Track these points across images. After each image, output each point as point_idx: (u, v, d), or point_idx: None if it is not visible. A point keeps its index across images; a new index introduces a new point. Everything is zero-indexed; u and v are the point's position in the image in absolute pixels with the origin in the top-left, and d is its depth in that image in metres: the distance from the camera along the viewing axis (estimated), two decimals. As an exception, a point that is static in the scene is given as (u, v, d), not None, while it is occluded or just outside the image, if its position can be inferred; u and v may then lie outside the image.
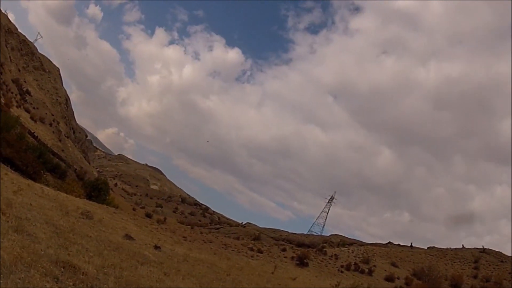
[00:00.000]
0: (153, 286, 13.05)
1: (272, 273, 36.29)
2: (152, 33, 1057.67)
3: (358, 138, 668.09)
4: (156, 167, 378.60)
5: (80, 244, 15.24)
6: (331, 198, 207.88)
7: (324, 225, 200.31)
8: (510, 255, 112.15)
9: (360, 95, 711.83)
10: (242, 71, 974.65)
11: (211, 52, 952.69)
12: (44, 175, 59.05)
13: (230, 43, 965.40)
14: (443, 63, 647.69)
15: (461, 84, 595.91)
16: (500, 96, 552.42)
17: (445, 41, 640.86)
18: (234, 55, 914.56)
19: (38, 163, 56.93)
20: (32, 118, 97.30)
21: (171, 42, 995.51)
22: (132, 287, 11.87)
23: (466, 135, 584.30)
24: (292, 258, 71.79)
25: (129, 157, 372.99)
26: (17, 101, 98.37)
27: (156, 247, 25.30)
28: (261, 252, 68.72)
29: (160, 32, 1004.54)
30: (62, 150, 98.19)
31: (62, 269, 10.56)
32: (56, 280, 9.60)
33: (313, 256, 79.79)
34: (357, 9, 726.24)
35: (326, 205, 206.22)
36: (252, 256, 61.31)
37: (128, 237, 25.40)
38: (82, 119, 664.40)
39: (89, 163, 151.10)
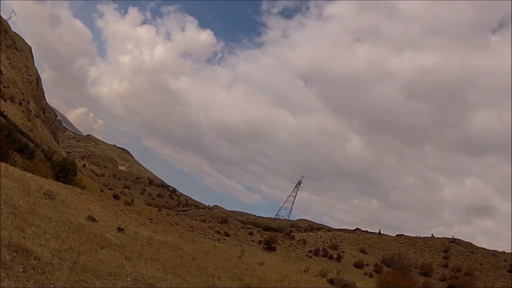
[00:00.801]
0: (112, 272, 12.25)
1: (239, 257, 35.59)
2: (125, 13, 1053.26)
3: (329, 124, 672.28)
4: (125, 148, 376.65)
5: (38, 226, 14.46)
6: (298, 182, 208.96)
7: (291, 209, 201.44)
8: (480, 246, 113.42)
9: (332, 81, 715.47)
10: (213, 53, 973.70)
11: (183, 33, 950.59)
12: (12, 155, 57.89)
13: (203, 25, 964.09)
14: (418, 54, 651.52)
15: (435, 75, 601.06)
16: (474, 89, 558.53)
17: (422, 32, 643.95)
18: (206, 36, 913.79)
19: (6, 143, 55.66)
20: (2, 97, 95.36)
21: (144, 22, 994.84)
22: (89, 274, 11.11)
23: (438, 125, 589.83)
24: (260, 242, 71.22)
25: (98, 137, 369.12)
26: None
27: (120, 229, 24.42)
28: (228, 236, 68.01)
29: (133, 12, 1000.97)
30: (31, 130, 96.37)
31: (14, 254, 9.85)
32: (4, 266, 8.86)
33: (281, 240, 79.39)
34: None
35: (293, 190, 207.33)
36: (218, 240, 60.59)
37: (91, 218, 24.49)
38: (52, 99, 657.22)
39: (58, 144, 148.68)
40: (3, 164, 34.85)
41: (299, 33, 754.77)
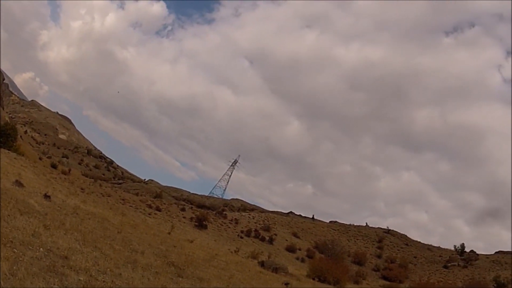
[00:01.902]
0: (26, 241, 11.51)
1: (169, 233, 34.87)
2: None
3: (269, 106, 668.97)
4: (67, 116, 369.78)
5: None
6: (234, 161, 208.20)
7: (225, 188, 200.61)
8: (414, 239, 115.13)
9: (277, 64, 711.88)
10: (163, 26, 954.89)
11: (137, 2, 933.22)
12: None
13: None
14: (365, 47, 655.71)
15: (380, 69, 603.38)
16: (417, 87, 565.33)
17: (373, 26, 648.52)
18: (158, 8, 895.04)
19: None
20: None
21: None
22: (-2, 241, 10.35)
23: (378, 118, 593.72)
24: (191, 219, 70.29)
25: (42, 104, 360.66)
26: None
27: (46, 196, 23.53)
28: (160, 210, 66.89)
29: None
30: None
31: None
32: None
33: (213, 218, 78.66)
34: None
35: (229, 168, 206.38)
36: (149, 214, 59.61)
37: (18, 183, 23.70)
38: (2, 62, 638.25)
39: (3, 108, 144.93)
40: None
41: (251, 13, 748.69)
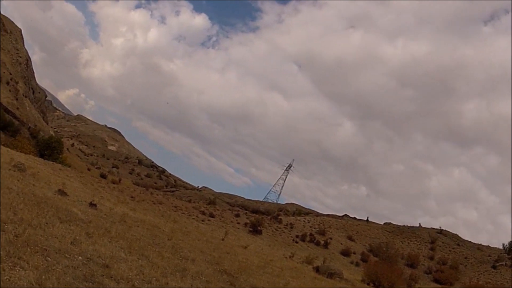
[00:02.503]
0: (63, 248, 10.58)
1: (222, 239, 33.98)
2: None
3: (320, 108, 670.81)
4: (115, 128, 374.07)
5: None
6: (289, 166, 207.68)
7: (280, 193, 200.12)
8: (466, 238, 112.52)
9: (325, 66, 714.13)
10: (207, 37, 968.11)
11: (178, 17, 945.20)
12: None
13: (198, 9, 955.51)
14: (410, 42, 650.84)
15: (426, 64, 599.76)
16: (463, 79, 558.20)
17: (414, 20, 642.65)
18: (200, 20, 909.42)
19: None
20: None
21: (138, 6, 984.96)
22: (30, 248, 9.38)
23: (428, 114, 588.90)
24: (246, 224, 69.43)
25: (89, 118, 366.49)
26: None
27: (92, 204, 22.76)
28: (213, 217, 66.22)
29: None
30: (17, 109, 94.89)
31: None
32: None
33: (268, 223, 77.67)
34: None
35: (283, 173, 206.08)
36: (202, 220, 58.91)
37: (61, 192, 22.94)
38: (43, 80, 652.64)
39: (47, 123, 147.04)
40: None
41: (293, 18, 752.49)
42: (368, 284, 36.97)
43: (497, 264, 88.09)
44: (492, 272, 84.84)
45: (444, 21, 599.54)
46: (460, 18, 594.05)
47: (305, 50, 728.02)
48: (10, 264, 8.27)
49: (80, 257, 10.58)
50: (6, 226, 10.45)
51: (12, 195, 15.45)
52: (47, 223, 12.96)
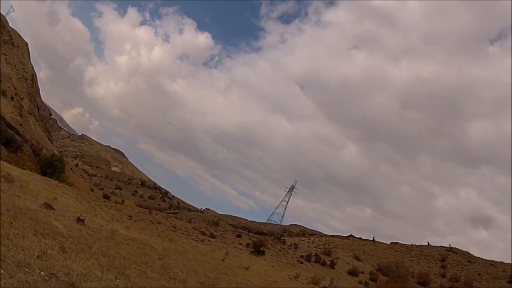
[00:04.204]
0: (25, 262, 9.38)
1: (222, 260, 32.24)
2: (124, 13, 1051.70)
3: (324, 131, 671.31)
4: (119, 149, 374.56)
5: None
6: (291, 187, 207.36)
7: (283, 214, 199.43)
8: (477, 255, 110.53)
9: (329, 88, 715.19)
10: (210, 56, 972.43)
11: (181, 35, 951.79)
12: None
13: (201, 27, 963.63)
14: (415, 63, 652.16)
15: (432, 85, 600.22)
16: (470, 99, 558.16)
17: (420, 41, 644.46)
18: (204, 39, 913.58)
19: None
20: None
21: (143, 23, 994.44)
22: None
23: (434, 135, 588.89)
24: (248, 245, 67.51)
25: (93, 138, 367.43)
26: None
27: (79, 219, 21.39)
28: (214, 237, 64.14)
29: (132, 12, 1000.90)
30: (21, 125, 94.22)
31: None
32: None
33: (271, 244, 75.56)
34: (331, 2, 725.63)
35: (286, 194, 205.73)
36: (202, 241, 56.96)
37: (47, 205, 21.88)
38: (49, 98, 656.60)
39: (52, 142, 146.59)
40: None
41: (297, 38, 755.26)
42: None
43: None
44: (509, 287, 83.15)
45: (451, 41, 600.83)
46: (466, 37, 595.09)
47: (308, 71, 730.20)
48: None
49: (42, 273, 9.25)
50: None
51: (-9, 206, 14.11)
52: (17, 234, 11.83)
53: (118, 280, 11.30)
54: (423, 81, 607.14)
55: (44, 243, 12.15)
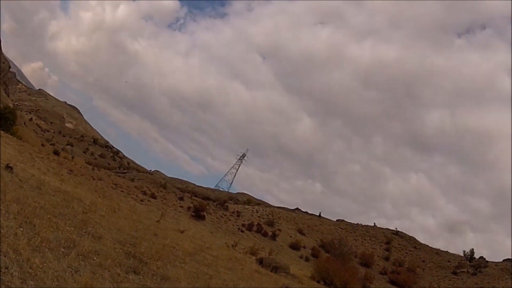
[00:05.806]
0: None
1: (158, 221, 31.40)
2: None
3: (281, 102, 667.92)
4: (75, 106, 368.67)
5: None
6: (242, 155, 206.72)
7: (232, 182, 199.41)
8: (423, 242, 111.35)
9: (290, 60, 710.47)
10: (175, 18, 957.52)
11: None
12: None
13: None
14: (379, 45, 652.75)
15: (393, 68, 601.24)
16: (429, 87, 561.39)
17: (385, 24, 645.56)
18: (170, 1, 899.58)
19: None
20: None
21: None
22: None
23: (391, 118, 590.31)
24: (188, 208, 66.94)
25: (50, 93, 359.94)
26: None
27: (8, 167, 20.32)
28: (154, 198, 63.15)
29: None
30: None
31: None
32: None
33: (213, 209, 75.43)
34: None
35: (236, 162, 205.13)
36: (142, 200, 56.09)
37: None
38: (9, 51, 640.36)
39: (8, 95, 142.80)
40: None
41: (263, 8, 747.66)
42: (318, 281, 35.00)
43: (459, 270, 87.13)
44: (453, 278, 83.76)
45: (417, 27, 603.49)
46: (433, 26, 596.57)
47: (271, 42, 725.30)
48: None
49: None
50: None
51: None
52: None
53: (21, 229, 10.52)
54: (384, 63, 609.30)
55: None
